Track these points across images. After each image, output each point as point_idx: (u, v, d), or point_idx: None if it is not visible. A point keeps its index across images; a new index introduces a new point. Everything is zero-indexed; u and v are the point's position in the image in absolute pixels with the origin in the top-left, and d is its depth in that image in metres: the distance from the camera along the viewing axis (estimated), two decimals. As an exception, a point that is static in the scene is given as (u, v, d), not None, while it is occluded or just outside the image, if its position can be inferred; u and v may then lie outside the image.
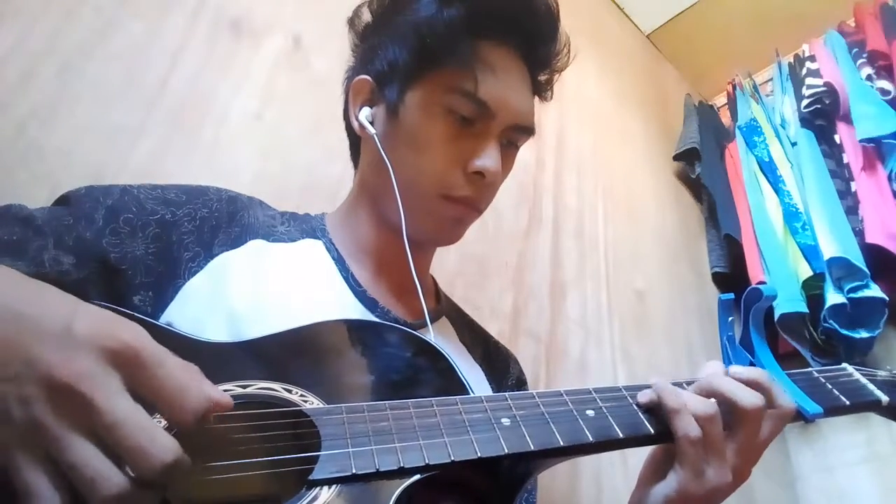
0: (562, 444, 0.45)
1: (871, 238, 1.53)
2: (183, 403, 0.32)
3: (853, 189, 1.68)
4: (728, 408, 0.50)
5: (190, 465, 0.31)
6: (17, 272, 0.35)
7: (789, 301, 1.57)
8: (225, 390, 0.43)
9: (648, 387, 0.52)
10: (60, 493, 0.29)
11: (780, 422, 0.52)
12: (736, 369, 0.53)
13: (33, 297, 0.33)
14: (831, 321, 1.51)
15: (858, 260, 1.50)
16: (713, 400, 0.50)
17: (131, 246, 0.55)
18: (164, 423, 0.34)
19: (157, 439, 0.30)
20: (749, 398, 0.50)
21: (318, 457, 0.39)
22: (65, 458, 0.29)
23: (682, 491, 0.48)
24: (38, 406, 0.29)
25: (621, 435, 0.47)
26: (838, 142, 1.77)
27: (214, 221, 0.61)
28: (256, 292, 0.57)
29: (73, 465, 0.29)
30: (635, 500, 0.54)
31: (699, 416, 0.48)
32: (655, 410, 0.50)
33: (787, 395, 0.53)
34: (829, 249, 1.54)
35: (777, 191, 1.83)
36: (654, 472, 0.53)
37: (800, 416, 0.55)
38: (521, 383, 0.79)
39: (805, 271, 1.62)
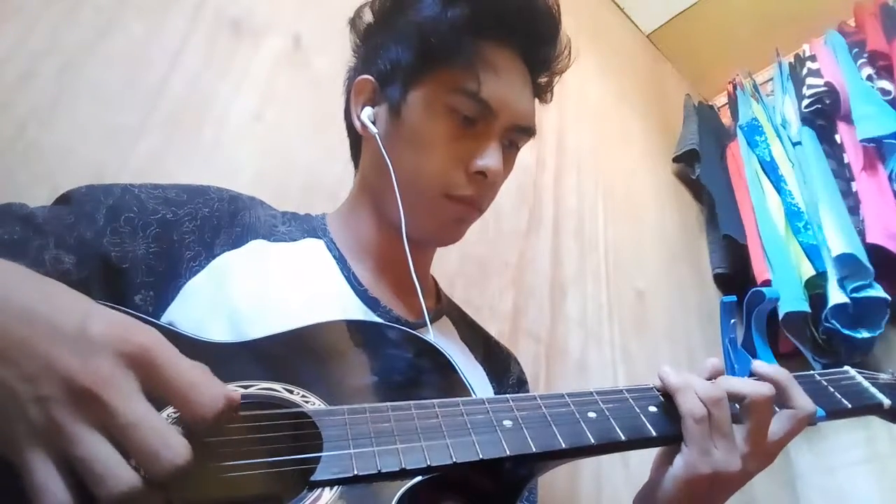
0: (563, 446, 0.45)
1: (871, 238, 1.53)
2: (199, 400, 0.32)
3: (854, 189, 1.68)
4: (736, 401, 0.51)
5: (192, 467, 0.31)
6: (23, 267, 0.35)
7: (793, 300, 1.57)
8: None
9: (651, 389, 0.52)
10: (71, 492, 0.29)
11: (798, 423, 0.52)
12: (758, 364, 0.54)
13: (43, 294, 0.33)
14: (833, 321, 1.51)
15: (865, 258, 1.50)
16: (721, 384, 0.51)
17: (132, 245, 0.55)
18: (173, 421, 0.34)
19: (170, 442, 0.30)
20: (755, 388, 0.50)
21: (319, 458, 0.39)
22: (77, 454, 0.29)
23: (689, 469, 0.48)
24: (57, 407, 0.30)
25: (623, 437, 0.47)
26: (839, 142, 1.77)
27: (216, 221, 0.61)
28: (258, 292, 0.57)
29: (85, 460, 0.29)
30: (647, 488, 0.54)
31: (705, 398, 0.49)
32: (660, 412, 0.50)
33: (807, 398, 0.53)
34: (837, 246, 1.54)
35: (779, 190, 1.83)
36: (666, 458, 0.53)
37: None
38: (521, 383, 0.79)
39: (807, 270, 1.62)
